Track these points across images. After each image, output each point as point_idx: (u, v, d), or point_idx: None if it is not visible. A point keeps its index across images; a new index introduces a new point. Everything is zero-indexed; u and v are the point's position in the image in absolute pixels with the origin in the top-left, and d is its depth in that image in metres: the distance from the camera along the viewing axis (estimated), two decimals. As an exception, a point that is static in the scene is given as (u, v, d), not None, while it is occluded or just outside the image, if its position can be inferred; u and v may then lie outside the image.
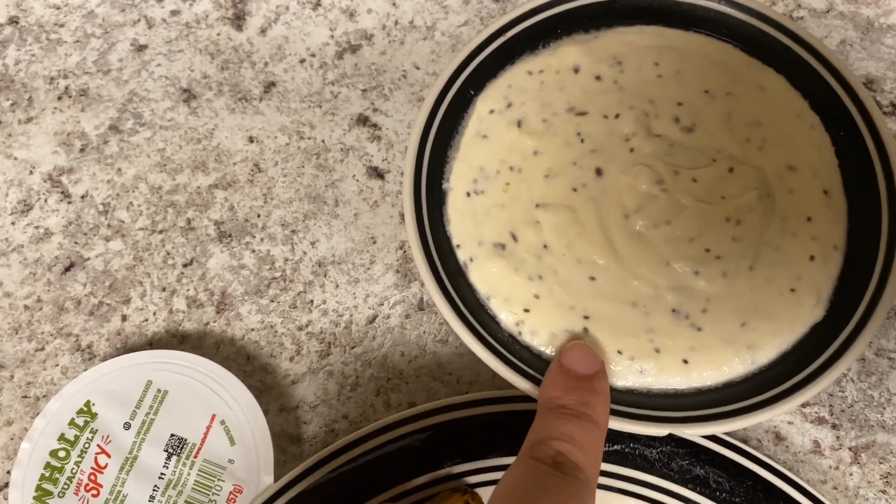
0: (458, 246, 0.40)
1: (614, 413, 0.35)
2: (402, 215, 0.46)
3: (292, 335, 0.44)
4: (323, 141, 0.48)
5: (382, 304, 0.45)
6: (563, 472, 0.30)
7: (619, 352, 0.37)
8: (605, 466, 0.38)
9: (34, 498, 0.38)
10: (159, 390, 0.40)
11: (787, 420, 0.42)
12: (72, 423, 0.40)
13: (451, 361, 0.44)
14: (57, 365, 0.44)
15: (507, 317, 0.38)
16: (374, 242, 0.46)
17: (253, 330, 0.44)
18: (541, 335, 0.38)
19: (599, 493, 0.38)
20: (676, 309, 0.38)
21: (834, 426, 0.42)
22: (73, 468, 0.39)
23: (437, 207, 0.41)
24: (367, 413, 0.43)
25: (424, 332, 0.44)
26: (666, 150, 0.40)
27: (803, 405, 0.42)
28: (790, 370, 0.36)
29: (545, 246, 0.39)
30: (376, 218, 0.46)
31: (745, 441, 0.39)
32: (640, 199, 0.39)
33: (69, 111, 0.49)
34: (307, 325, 0.44)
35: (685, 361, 0.37)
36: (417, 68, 0.49)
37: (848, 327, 0.36)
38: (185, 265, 0.46)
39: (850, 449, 0.41)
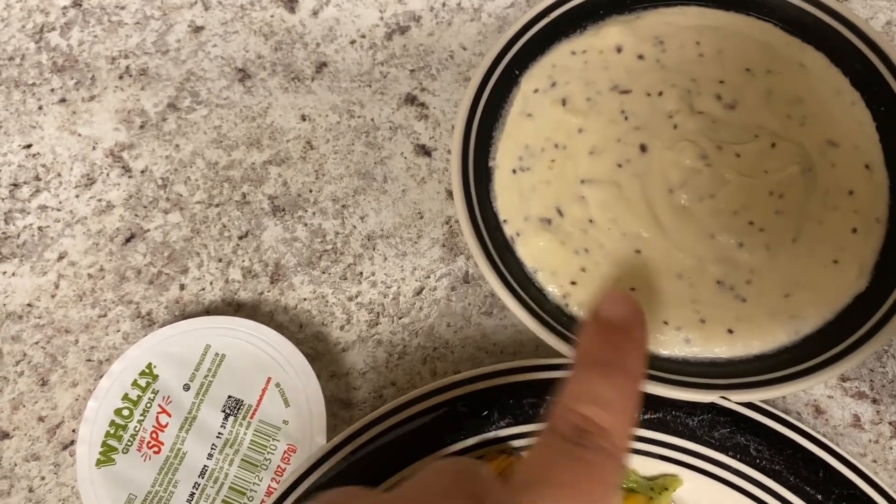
0: (504, 221, 0.41)
1: (661, 380, 0.36)
2: (448, 192, 0.48)
3: (342, 305, 0.46)
4: (372, 119, 0.49)
5: (429, 277, 0.46)
6: (585, 444, 0.29)
7: (665, 322, 0.38)
8: (647, 433, 0.39)
9: (100, 453, 0.41)
10: (217, 354, 0.42)
11: (826, 394, 0.43)
12: (135, 383, 0.42)
13: (495, 332, 0.45)
14: (119, 331, 0.46)
15: (554, 289, 0.40)
16: (421, 217, 0.47)
17: (305, 300, 0.46)
18: (587, 306, 0.39)
19: (641, 460, 0.39)
20: (721, 280, 0.38)
21: (874, 401, 0.42)
22: (136, 426, 0.41)
23: (483, 184, 0.42)
24: (413, 380, 0.44)
25: (469, 305, 0.46)
26: (709, 127, 0.41)
27: (843, 380, 0.43)
28: (834, 339, 0.37)
29: (591, 220, 0.40)
30: (423, 194, 0.48)
31: (785, 413, 0.40)
32: (684, 174, 0.40)
33: (130, 90, 0.51)
34: (357, 296, 0.46)
35: (730, 331, 0.38)
36: (464, 49, 0.50)
37: (891, 297, 0.36)
38: (240, 237, 0.47)
39: (890, 423, 0.42)
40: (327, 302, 0.46)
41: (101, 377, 0.43)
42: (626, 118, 0.42)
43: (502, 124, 0.43)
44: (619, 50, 0.44)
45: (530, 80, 0.43)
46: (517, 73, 0.44)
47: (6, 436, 0.44)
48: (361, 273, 0.46)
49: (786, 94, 0.42)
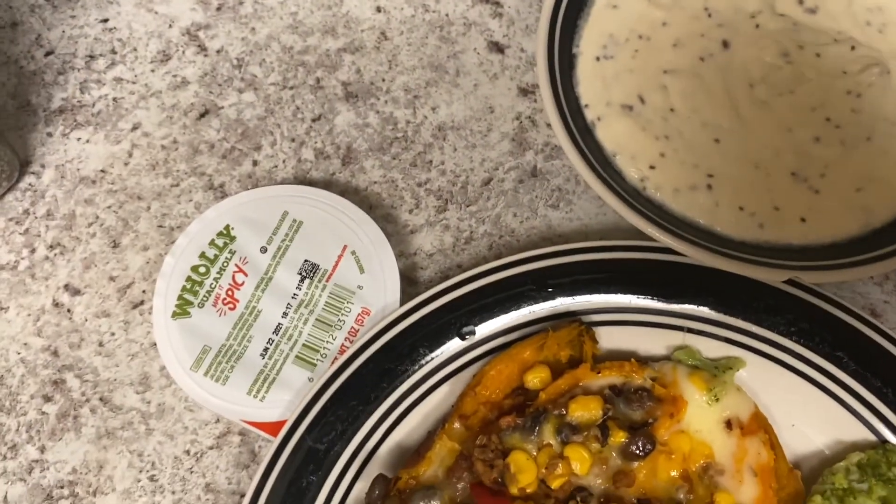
0: (586, 106, 0.42)
1: (736, 259, 0.37)
2: (520, 88, 0.49)
3: (412, 190, 0.47)
4: (447, 14, 0.50)
5: (497, 169, 0.47)
6: None
7: (741, 208, 0.39)
8: (713, 315, 0.40)
9: (176, 306, 0.41)
10: (294, 220, 0.43)
11: (883, 299, 0.44)
12: (212, 243, 0.43)
13: (560, 225, 0.46)
14: (191, 200, 0.47)
15: (632, 172, 0.41)
16: (492, 112, 0.48)
17: (375, 183, 0.47)
18: (664, 190, 0.40)
19: (705, 342, 0.40)
20: (796, 172, 0.40)
21: (928, 308, 0.44)
22: (212, 283, 0.42)
23: (566, 70, 0.43)
24: (479, 263, 0.45)
25: (536, 197, 0.47)
26: (790, 28, 0.42)
27: (899, 287, 0.44)
28: (903, 231, 0.38)
29: (672, 109, 0.41)
30: (495, 90, 0.49)
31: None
32: (765, 70, 0.41)
33: (207, -28, 0.51)
34: (426, 182, 0.47)
35: (803, 220, 0.39)
36: (542, -48, 0.51)
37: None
38: (313, 120, 0.48)
39: (941, 330, 0.43)
40: (397, 186, 0.47)
41: (174, 241, 0.44)
42: (709, 15, 0.43)
43: (587, 14, 0.44)
44: (703, -48, 0.44)
45: (616, -25, 0.44)
46: (602, -32, 0.44)
47: (77, 292, 0.45)
48: (431, 161, 0.47)
49: (867, 3, 0.42)
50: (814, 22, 0.42)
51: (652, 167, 0.40)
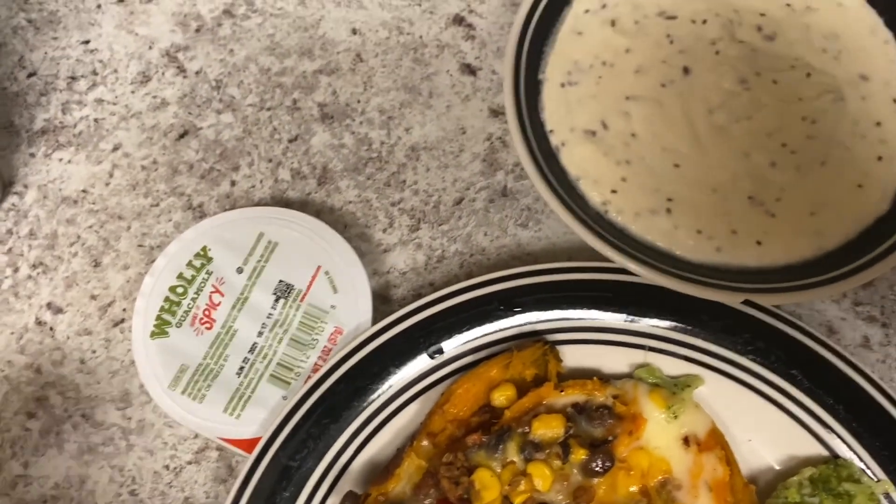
0: (550, 131, 0.44)
1: (692, 281, 0.39)
2: (491, 110, 0.50)
3: (385, 209, 0.48)
4: (421, 37, 0.51)
5: (469, 189, 0.48)
6: None
7: (699, 231, 0.41)
8: (671, 334, 0.41)
9: (154, 326, 0.43)
10: (270, 241, 0.44)
11: (840, 316, 0.45)
12: (189, 264, 0.44)
13: (529, 243, 0.47)
14: (170, 220, 0.48)
15: (594, 196, 0.42)
16: (464, 133, 0.50)
17: (350, 202, 0.48)
18: (626, 214, 0.41)
19: (666, 360, 0.41)
20: (753, 196, 0.41)
21: (884, 325, 0.45)
22: (189, 303, 0.43)
23: (532, 96, 0.44)
24: (450, 283, 0.46)
25: (506, 216, 0.48)
26: (749, 55, 0.43)
27: (856, 304, 0.45)
28: (854, 255, 0.39)
29: (633, 134, 0.43)
30: (467, 111, 0.50)
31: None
32: (723, 96, 0.43)
33: (186, -5, 0.52)
34: (399, 202, 0.48)
35: (758, 243, 0.40)
36: (514, -24, 0.52)
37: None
38: (290, 140, 0.49)
39: (896, 346, 0.45)
40: (371, 206, 0.48)
41: (154, 260, 0.45)
42: (671, 42, 0.44)
43: (553, 41, 0.45)
44: (667, -21, 0.46)
45: (582, 1, 0.45)
46: (569, -6, 0.46)
47: (59, 311, 0.46)
48: (404, 181, 0.49)
49: (823, 30, 0.44)
50: (772, 49, 0.44)
51: (614, 191, 0.42)
